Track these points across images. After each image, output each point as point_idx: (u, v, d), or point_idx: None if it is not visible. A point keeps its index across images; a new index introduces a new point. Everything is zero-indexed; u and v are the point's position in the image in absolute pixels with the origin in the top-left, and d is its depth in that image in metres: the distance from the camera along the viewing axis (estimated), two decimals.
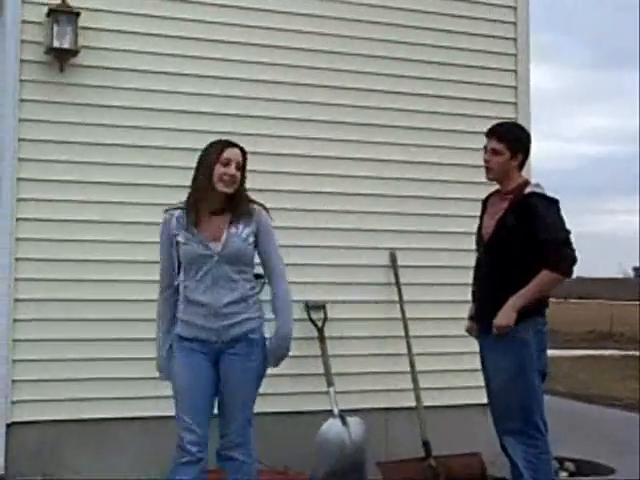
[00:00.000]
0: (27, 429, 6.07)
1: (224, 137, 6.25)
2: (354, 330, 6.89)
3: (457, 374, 7.03)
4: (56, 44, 6.05)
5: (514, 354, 4.84)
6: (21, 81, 6.15)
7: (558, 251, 4.76)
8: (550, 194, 5.00)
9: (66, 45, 6.07)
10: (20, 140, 6.14)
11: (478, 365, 7.06)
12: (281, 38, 6.82)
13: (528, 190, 4.94)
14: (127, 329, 6.25)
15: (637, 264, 73.79)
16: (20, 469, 6.01)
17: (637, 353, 18.23)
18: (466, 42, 7.38)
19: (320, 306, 6.79)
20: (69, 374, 6.17)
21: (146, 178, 6.30)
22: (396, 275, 6.99)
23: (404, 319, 6.89)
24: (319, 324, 6.74)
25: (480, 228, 5.17)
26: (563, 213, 4.96)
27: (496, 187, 5.20)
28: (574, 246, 4.85)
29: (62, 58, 6.17)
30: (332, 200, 6.89)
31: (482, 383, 6.62)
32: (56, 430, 6.13)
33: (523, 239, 4.79)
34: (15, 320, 6.08)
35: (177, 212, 4.43)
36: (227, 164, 4.38)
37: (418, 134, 7.16)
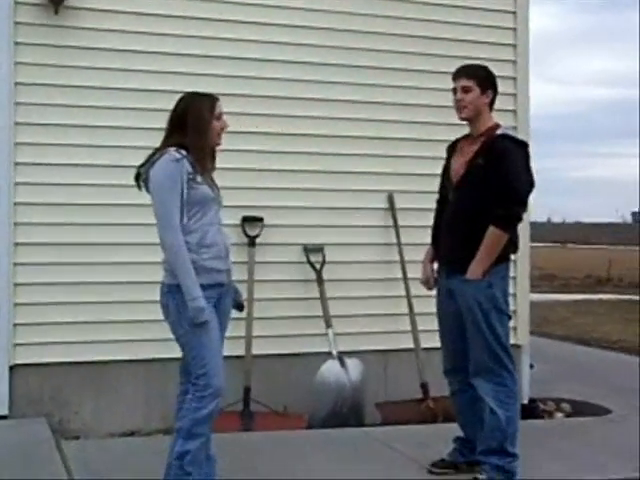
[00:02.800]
0: (29, 371, 6.14)
1: (220, 79, 6.41)
2: (352, 272, 6.93)
3: None
4: None
5: (479, 296, 4.88)
6: (15, 24, 6.12)
7: (508, 206, 4.83)
8: (520, 137, 5.06)
9: None
10: (16, 84, 6.12)
11: None
12: None
13: (499, 132, 4.99)
14: (129, 272, 6.29)
15: (636, 209, 73.66)
16: (23, 410, 6.09)
17: (635, 297, 18.28)
18: None
19: (318, 249, 6.82)
20: (71, 317, 6.22)
21: (143, 122, 6.26)
22: (394, 217, 7.01)
23: (402, 261, 6.93)
24: (317, 267, 6.77)
25: (447, 170, 5.19)
26: (530, 158, 5.04)
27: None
28: (529, 199, 4.98)
29: (56, 0, 6.12)
30: (329, 143, 6.89)
31: None
32: (58, 372, 6.21)
33: (491, 179, 4.82)
34: (15, 264, 6.12)
35: (183, 152, 4.41)
36: (219, 118, 4.50)
37: (415, 76, 7.13)
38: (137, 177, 4.49)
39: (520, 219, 4.93)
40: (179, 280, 4.30)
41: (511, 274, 7.14)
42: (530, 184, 4.99)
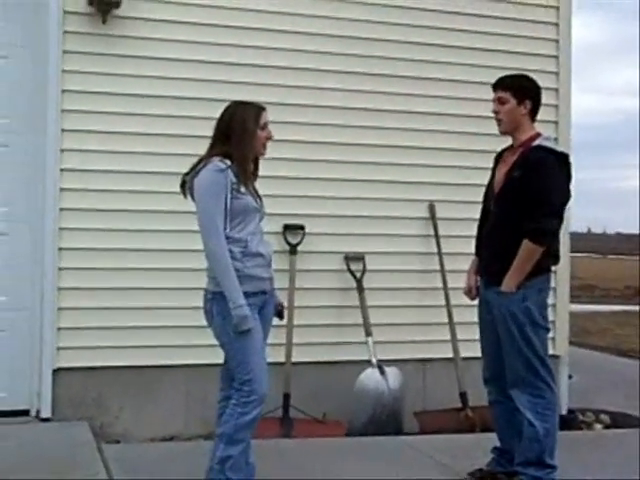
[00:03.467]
0: (72, 375, 6.22)
1: (267, 87, 6.46)
2: (393, 281, 6.95)
3: None
4: None
5: (518, 308, 4.85)
6: (64, 32, 6.21)
7: (541, 220, 4.77)
8: (559, 149, 4.97)
9: None
10: (63, 91, 6.21)
11: None
12: None
13: (536, 143, 4.93)
14: (172, 278, 6.35)
15: None
16: (66, 413, 6.16)
17: None
18: None
19: (359, 257, 6.85)
20: (113, 322, 6.29)
21: (190, 129, 6.29)
22: (435, 227, 7.02)
23: (442, 271, 6.94)
24: (358, 275, 6.80)
25: (492, 181, 5.16)
26: (572, 167, 5.00)
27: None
28: (564, 211, 4.92)
29: (105, 10, 6.21)
30: (371, 152, 6.92)
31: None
32: (100, 376, 6.27)
33: (527, 193, 4.78)
34: (60, 268, 6.21)
35: (228, 162, 4.46)
36: (264, 128, 4.54)
37: (456, 86, 7.14)
38: (182, 185, 4.56)
39: (553, 232, 4.89)
40: (222, 287, 4.34)
41: (551, 284, 7.24)
42: (564, 196, 4.93)
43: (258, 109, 4.56)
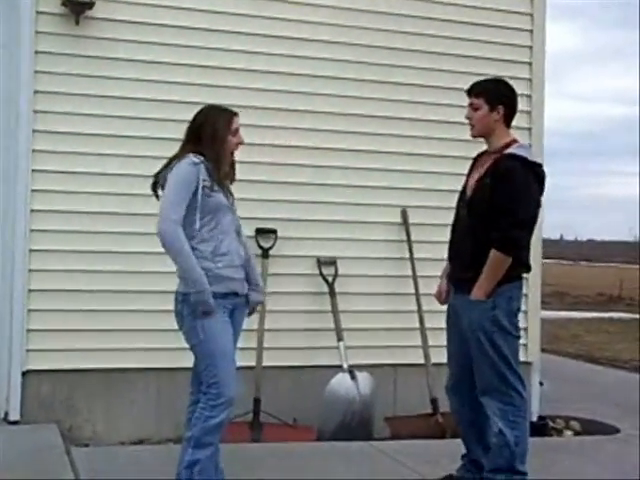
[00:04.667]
0: (42, 377, 6.18)
1: (234, 90, 6.44)
2: (364, 286, 6.95)
3: None
4: None
5: (486, 317, 4.81)
6: (37, 33, 6.18)
7: (509, 230, 4.73)
8: (532, 158, 4.93)
9: None
10: (35, 92, 6.17)
11: None
12: None
13: (509, 151, 4.87)
14: (140, 281, 6.32)
15: None
16: (35, 416, 6.12)
17: None
18: (483, 1, 7.36)
19: (331, 262, 6.85)
20: (83, 324, 6.25)
21: (162, 132, 6.30)
22: (407, 232, 7.03)
23: (414, 276, 6.95)
24: (330, 279, 6.80)
25: (465, 186, 5.11)
26: (545, 177, 4.94)
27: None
28: (530, 223, 4.85)
29: (78, 10, 6.19)
30: (344, 157, 6.93)
31: None
32: (70, 379, 6.24)
33: (496, 201, 4.75)
34: (30, 270, 6.16)
35: (201, 158, 4.46)
36: (235, 133, 4.56)
37: (431, 92, 7.16)
38: (154, 185, 4.54)
39: (521, 243, 4.84)
40: (179, 271, 4.37)
41: (522, 291, 7.26)
42: (534, 207, 4.88)
43: (230, 114, 4.57)
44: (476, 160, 5.17)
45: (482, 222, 4.82)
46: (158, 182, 4.52)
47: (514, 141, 4.98)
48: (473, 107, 4.97)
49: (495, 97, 4.96)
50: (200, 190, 4.38)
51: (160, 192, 4.51)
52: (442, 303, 5.27)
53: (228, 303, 4.48)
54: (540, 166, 4.97)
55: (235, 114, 4.58)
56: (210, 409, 4.39)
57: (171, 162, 4.47)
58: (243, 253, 4.60)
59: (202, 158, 4.43)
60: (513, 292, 4.96)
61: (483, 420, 5.00)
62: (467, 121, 5.08)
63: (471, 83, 5.10)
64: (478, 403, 4.99)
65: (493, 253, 4.75)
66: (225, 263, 4.45)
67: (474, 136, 5.06)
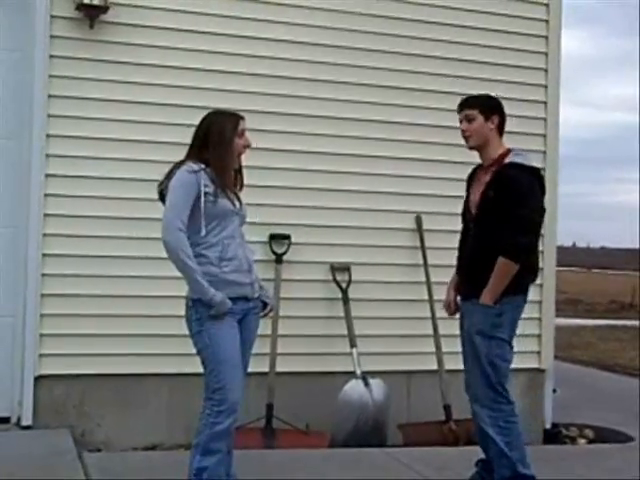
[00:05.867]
0: (54, 382, 6.17)
1: (251, 95, 6.44)
2: (378, 292, 6.92)
3: None
4: (86, 0, 6.06)
5: (485, 322, 4.89)
6: (51, 37, 6.18)
7: (515, 237, 4.81)
8: (531, 163, 5.02)
9: (96, 2, 6.10)
10: (50, 96, 6.18)
11: None
12: None
13: (508, 160, 4.97)
14: (153, 286, 6.31)
15: None
16: (47, 421, 6.12)
17: None
18: (499, 6, 7.34)
19: (345, 268, 6.83)
20: (96, 329, 6.25)
21: (174, 136, 6.29)
22: (421, 239, 7.01)
23: (428, 282, 6.92)
24: (343, 286, 6.77)
25: (467, 202, 5.21)
26: (541, 182, 5.02)
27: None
28: (536, 229, 4.96)
29: (92, 15, 6.19)
30: (359, 162, 6.91)
31: None
32: (82, 384, 6.23)
33: (502, 211, 4.83)
34: (43, 275, 6.16)
35: (201, 166, 4.45)
36: (242, 136, 4.55)
37: (447, 98, 7.12)
38: (161, 195, 4.54)
39: (528, 248, 4.92)
40: (186, 280, 4.36)
41: (537, 298, 7.26)
42: (539, 212, 4.98)
43: (236, 118, 4.56)
44: (473, 175, 5.27)
45: (489, 233, 4.90)
46: (163, 191, 4.51)
47: (509, 150, 5.07)
48: (468, 118, 5.07)
49: (489, 107, 5.09)
50: (203, 197, 4.37)
51: None
52: (451, 314, 5.35)
53: (237, 309, 4.46)
54: (539, 171, 5.08)
55: (241, 117, 4.57)
56: (215, 415, 4.38)
57: (172, 171, 4.47)
58: (252, 257, 4.59)
59: (202, 165, 4.42)
60: (521, 303, 5.05)
61: None
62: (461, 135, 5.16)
63: (461, 99, 5.21)
64: None
65: (500, 260, 4.82)
66: (232, 268, 4.43)
67: (471, 148, 5.15)
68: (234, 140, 4.51)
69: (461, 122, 5.13)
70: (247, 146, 4.58)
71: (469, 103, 5.11)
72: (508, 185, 4.86)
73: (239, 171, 4.64)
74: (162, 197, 4.53)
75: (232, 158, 4.52)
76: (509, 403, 4.98)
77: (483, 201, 4.97)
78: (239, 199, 4.59)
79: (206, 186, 4.38)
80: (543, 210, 5.03)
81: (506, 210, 4.81)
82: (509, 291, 4.89)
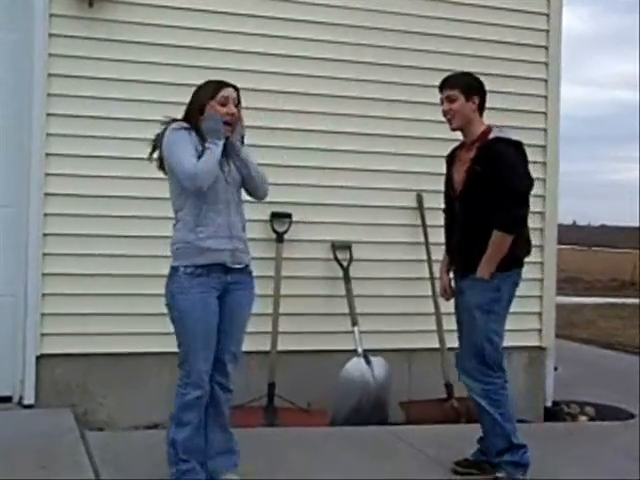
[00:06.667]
0: (56, 361, 6.18)
1: (250, 74, 6.41)
2: (379, 271, 6.92)
3: None
4: None
5: (485, 296, 4.97)
6: (50, 15, 6.15)
7: (510, 209, 4.88)
8: (515, 137, 5.07)
9: None
10: (49, 75, 6.16)
11: None
12: None
13: (492, 135, 5.03)
14: (154, 265, 6.27)
15: None
16: (49, 400, 6.13)
17: None
18: None
19: (346, 246, 6.82)
20: (97, 308, 6.25)
21: (175, 114, 6.26)
22: (422, 217, 7.00)
23: (429, 261, 6.92)
24: (344, 264, 6.77)
25: (450, 182, 5.24)
26: (526, 156, 5.07)
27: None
28: (527, 200, 4.98)
29: None
30: (359, 140, 6.89)
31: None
32: (84, 363, 6.24)
33: (492, 185, 4.88)
34: (44, 254, 6.16)
35: (185, 125, 4.47)
36: (225, 104, 4.49)
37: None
38: (160, 164, 4.55)
39: (522, 219, 5.00)
40: (215, 150, 4.36)
41: (538, 276, 7.26)
42: (528, 183, 5.02)
43: (217, 84, 4.54)
44: (453, 156, 5.32)
45: (479, 209, 4.96)
46: (156, 146, 4.55)
47: (490, 128, 5.12)
48: (449, 99, 5.11)
49: (469, 87, 5.13)
50: (199, 147, 4.39)
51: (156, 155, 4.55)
52: (448, 299, 5.40)
53: (214, 282, 4.44)
54: (522, 144, 5.10)
55: (223, 85, 4.53)
56: (184, 386, 4.46)
57: (162, 133, 4.51)
58: (239, 224, 4.55)
59: (188, 125, 4.45)
60: (517, 279, 5.12)
61: None
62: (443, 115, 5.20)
63: (443, 78, 5.23)
64: None
65: (495, 234, 4.89)
66: (207, 234, 4.41)
67: (454, 129, 5.21)
68: (208, 104, 4.46)
69: (442, 102, 5.17)
70: (230, 114, 4.48)
71: (450, 83, 5.15)
72: (495, 159, 4.93)
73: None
74: (162, 166, 4.55)
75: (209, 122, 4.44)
76: (499, 377, 5.05)
77: (470, 177, 5.02)
78: (228, 164, 4.53)
79: (197, 145, 4.39)
80: (532, 181, 5.08)
81: (495, 184, 4.87)
82: (505, 265, 4.96)
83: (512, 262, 5.00)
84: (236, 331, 4.60)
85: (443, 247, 6.44)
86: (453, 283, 5.31)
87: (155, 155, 4.58)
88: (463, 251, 5.13)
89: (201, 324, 4.43)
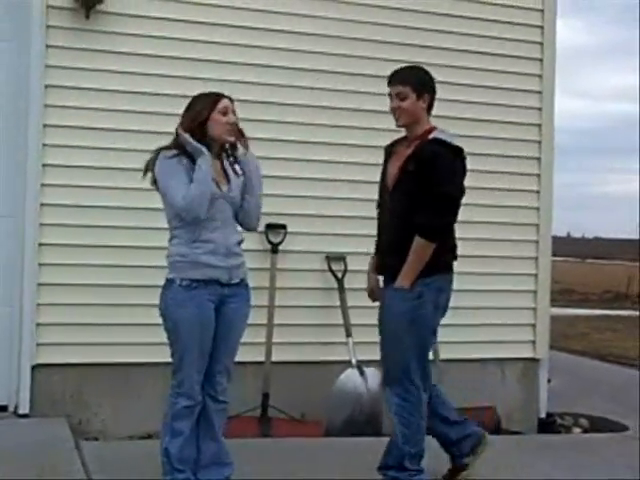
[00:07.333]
0: (51, 371, 6.20)
1: (242, 85, 6.42)
2: None
3: (474, 328, 7.06)
4: None
5: (407, 305, 4.73)
6: (47, 27, 6.18)
7: (435, 215, 4.67)
8: (455, 142, 4.82)
9: None
10: (46, 87, 6.18)
11: (495, 319, 7.17)
12: None
13: (432, 136, 4.80)
14: (149, 275, 6.29)
15: None
16: (44, 410, 6.14)
17: None
18: None
19: (340, 257, 6.84)
20: (92, 318, 6.26)
21: (169, 127, 6.29)
22: None
23: None
24: (339, 275, 6.79)
25: (385, 175, 5.02)
26: (464, 164, 4.86)
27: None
28: (455, 208, 4.76)
29: (88, 4, 6.18)
30: (355, 152, 6.92)
31: (498, 338, 6.72)
32: (79, 373, 6.26)
33: (421, 187, 4.67)
34: (40, 264, 6.18)
35: (176, 151, 4.45)
36: (225, 113, 4.51)
37: (443, 88, 7.11)
38: (154, 181, 4.56)
39: (444, 228, 4.78)
40: (200, 174, 4.34)
41: (531, 288, 7.29)
42: (459, 191, 4.78)
43: (215, 96, 4.55)
44: (392, 148, 5.06)
45: (407, 209, 4.74)
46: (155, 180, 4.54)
47: (434, 128, 4.89)
48: (400, 96, 4.84)
49: (421, 85, 4.87)
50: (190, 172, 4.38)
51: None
52: (374, 300, 5.14)
53: (210, 294, 4.45)
54: (463, 151, 4.87)
55: (224, 96, 4.55)
56: (175, 395, 4.47)
57: (155, 157, 4.51)
58: (236, 241, 4.56)
59: (176, 151, 4.43)
60: (443, 284, 4.87)
61: (435, 397, 5.05)
62: (390, 111, 4.96)
63: (393, 71, 4.97)
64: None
65: (417, 240, 4.68)
66: (204, 250, 4.42)
67: (400, 126, 4.95)
68: (210, 115, 4.46)
69: (391, 97, 4.91)
70: (232, 123, 4.50)
71: (401, 79, 4.88)
72: (429, 161, 4.70)
73: (233, 146, 4.58)
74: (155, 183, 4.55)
75: (212, 133, 4.47)
76: (419, 393, 4.84)
77: (402, 175, 4.80)
78: (228, 181, 4.55)
79: (190, 169, 4.39)
80: (463, 191, 4.83)
81: (425, 187, 4.66)
82: (428, 270, 4.71)
83: (435, 267, 4.74)
84: (230, 343, 4.60)
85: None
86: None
87: (149, 175, 4.56)
88: (388, 255, 4.90)
89: (196, 335, 4.44)
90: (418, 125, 4.88)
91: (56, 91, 6.20)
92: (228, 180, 4.56)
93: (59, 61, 6.21)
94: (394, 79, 4.91)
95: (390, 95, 4.91)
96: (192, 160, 4.41)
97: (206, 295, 4.44)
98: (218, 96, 4.56)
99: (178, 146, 4.47)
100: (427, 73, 4.97)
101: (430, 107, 4.93)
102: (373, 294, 5.18)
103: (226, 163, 4.60)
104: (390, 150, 5.07)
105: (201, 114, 4.48)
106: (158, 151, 4.53)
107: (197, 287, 4.42)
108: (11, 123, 6.23)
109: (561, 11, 7.54)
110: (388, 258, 4.90)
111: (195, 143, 4.40)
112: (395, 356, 4.83)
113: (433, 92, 4.93)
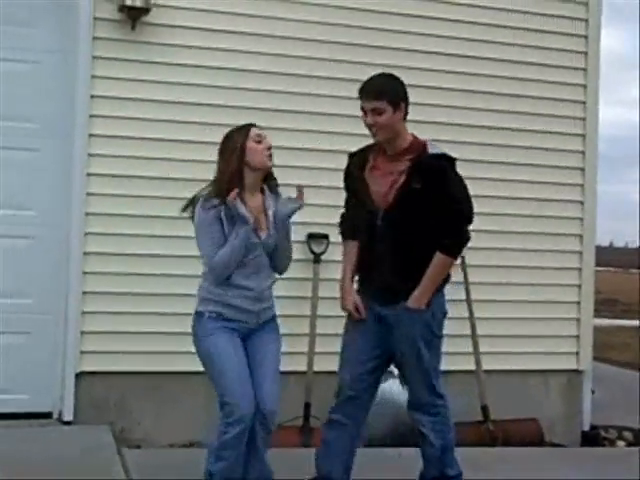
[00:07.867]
0: (95, 379, 6.25)
1: (289, 96, 6.45)
2: None
3: (517, 339, 7.04)
4: (128, 2, 6.12)
5: (427, 326, 4.68)
6: (94, 39, 6.25)
7: (458, 232, 4.60)
8: (449, 153, 4.66)
9: (138, 3, 6.15)
10: (92, 97, 6.25)
11: (538, 331, 7.11)
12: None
13: (433, 151, 4.61)
14: (191, 285, 6.29)
15: None
16: (88, 417, 6.19)
17: None
18: (538, 6, 7.32)
19: None
20: (136, 327, 6.32)
21: (214, 136, 6.31)
22: None
23: (466, 282, 6.90)
24: None
25: (365, 188, 4.74)
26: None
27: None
28: (471, 222, 4.66)
29: (134, 16, 6.25)
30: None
31: (542, 349, 6.64)
32: (122, 381, 6.31)
33: (432, 204, 4.51)
34: (85, 273, 6.24)
35: (216, 201, 4.41)
36: (260, 141, 4.49)
37: (483, 97, 7.12)
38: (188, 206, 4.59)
39: (467, 242, 4.69)
40: (231, 249, 4.37)
41: (575, 299, 7.24)
42: (471, 207, 4.65)
43: (246, 126, 4.53)
44: (363, 161, 4.80)
45: (414, 230, 4.58)
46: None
47: (420, 140, 4.71)
48: (376, 112, 4.57)
49: (396, 96, 4.62)
50: (228, 226, 4.40)
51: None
52: (362, 318, 4.92)
53: (237, 326, 4.49)
54: (456, 161, 4.73)
55: (253, 125, 4.53)
56: (225, 425, 4.44)
57: (193, 200, 4.54)
58: (267, 287, 4.58)
59: (215, 202, 4.40)
60: (444, 297, 4.82)
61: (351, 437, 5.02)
62: (365, 126, 4.71)
63: (364, 83, 4.70)
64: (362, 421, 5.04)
65: (439, 257, 4.56)
66: (236, 294, 4.46)
67: (379, 141, 4.69)
68: (248, 146, 4.44)
69: (365, 113, 4.63)
70: (269, 148, 4.49)
71: (376, 93, 4.59)
72: (439, 177, 4.53)
73: (270, 176, 4.61)
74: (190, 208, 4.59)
75: (252, 163, 4.46)
76: (444, 404, 4.86)
77: (404, 194, 4.57)
78: (268, 225, 4.54)
79: (230, 217, 4.39)
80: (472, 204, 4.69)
81: (439, 204, 4.50)
82: (439, 286, 4.70)
83: (445, 279, 4.73)
84: (267, 366, 4.57)
85: (480, 269, 6.43)
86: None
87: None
88: (393, 276, 4.65)
89: (234, 364, 4.45)
90: (399, 138, 4.66)
91: (102, 101, 6.27)
92: (267, 223, 4.54)
93: (105, 72, 6.28)
94: (367, 94, 4.64)
95: (363, 110, 4.65)
96: (228, 213, 4.39)
97: (235, 327, 4.50)
98: (248, 126, 4.54)
99: (218, 193, 4.43)
100: (398, 80, 4.72)
101: (406, 115, 4.69)
102: (361, 313, 4.89)
103: (268, 202, 4.58)
104: (361, 162, 4.81)
105: (236, 149, 4.45)
106: (197, 198, 4.52)
107: (224, 319, 4.47)
108: (58, 133, 6.30)
109: (605, 20, 7.48)
110: (394, 281, 4.65)
111: (243, 211, 4.36)
112: (418, 378, 4.79)
113: (407, 100, 4.67)
